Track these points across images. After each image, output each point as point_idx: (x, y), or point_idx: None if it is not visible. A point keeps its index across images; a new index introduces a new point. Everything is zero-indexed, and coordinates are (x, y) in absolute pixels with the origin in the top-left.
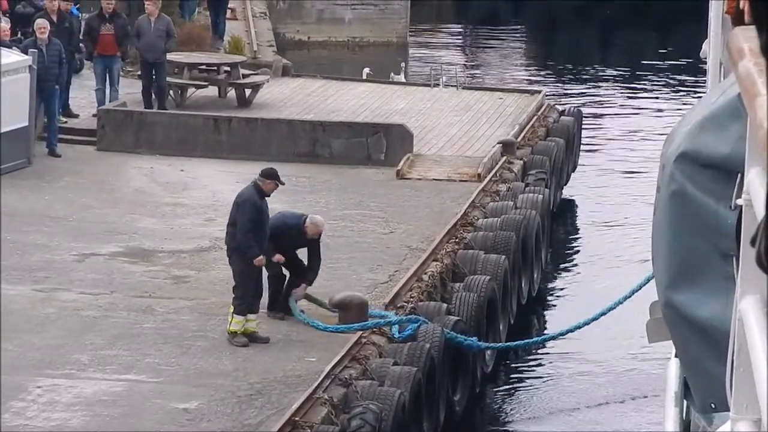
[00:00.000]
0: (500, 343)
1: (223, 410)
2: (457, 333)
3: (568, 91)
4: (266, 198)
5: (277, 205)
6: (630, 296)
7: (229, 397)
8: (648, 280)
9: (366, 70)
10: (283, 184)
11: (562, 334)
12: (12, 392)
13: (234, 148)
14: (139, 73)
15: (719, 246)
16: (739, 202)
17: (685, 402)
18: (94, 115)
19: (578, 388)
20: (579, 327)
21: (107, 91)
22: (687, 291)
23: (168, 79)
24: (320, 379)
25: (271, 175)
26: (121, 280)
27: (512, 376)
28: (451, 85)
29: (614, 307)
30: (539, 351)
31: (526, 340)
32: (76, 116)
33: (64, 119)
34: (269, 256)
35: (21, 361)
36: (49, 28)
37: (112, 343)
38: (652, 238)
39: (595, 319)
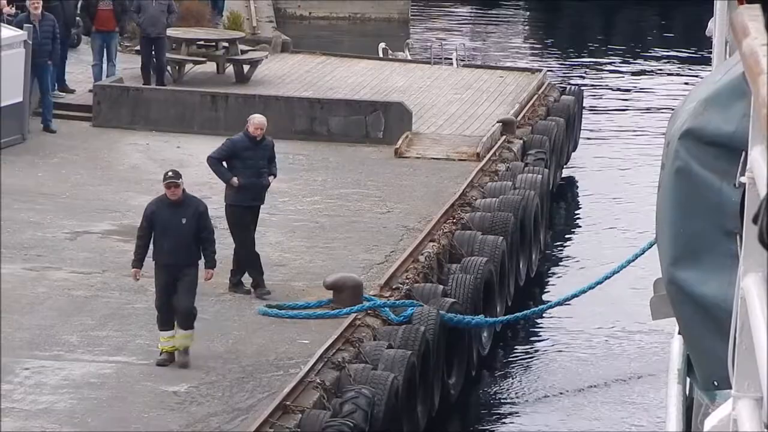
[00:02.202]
0: (506, 316)
1: (213, 393)
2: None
3: (570, 70)
4: (179, 204)
5: (274, 183)
6: (632, 260)
7: (219, 380)
8: (650, 246)
9: (382, 45)
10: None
11: (566, 300)
12: None
13: (231, 125)
14: (137, 48)
15: (723, 224)
16: (743, 179)
17: (688, 379)
18: (90, 91)
19: (578, 368)
20: (584, 292)
21: (104, 66)
22: (690, 268)
23: (166, 54)
24: (312, 362)
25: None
26: (113, 259)
27: (509, 357)
28: (448, 61)
29: (617, 272)
30: (537, 331)
31: (532, 309)
32: (72, 91)
33: (62, 93)
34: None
35: (9, 342)
36: (42, 3)
37: (103, 323)
38: (656, 215)
39: (599, 282)
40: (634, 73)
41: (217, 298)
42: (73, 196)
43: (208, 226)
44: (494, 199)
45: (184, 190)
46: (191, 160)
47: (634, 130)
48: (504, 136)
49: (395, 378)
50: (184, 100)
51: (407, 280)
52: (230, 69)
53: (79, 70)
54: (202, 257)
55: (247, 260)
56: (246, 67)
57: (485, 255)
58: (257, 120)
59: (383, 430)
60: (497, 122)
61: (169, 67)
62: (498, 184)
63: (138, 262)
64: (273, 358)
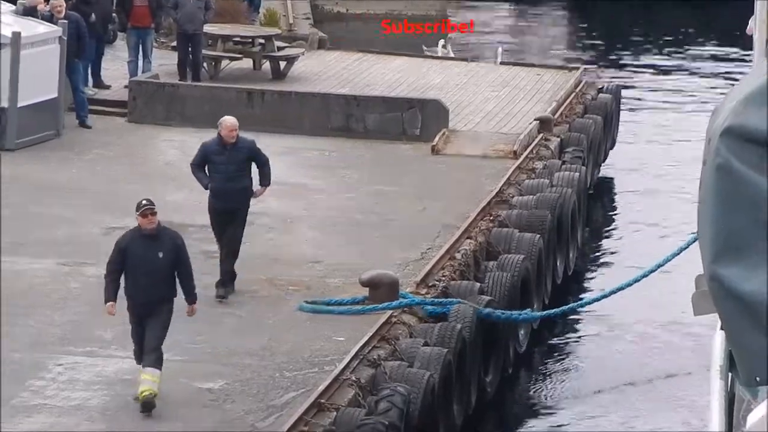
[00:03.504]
0: (552, 310)
1: (248, 391)
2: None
3: (608, 68)
4: (154, 236)
5: (307, 180)
6: (672, 258)
7: (254, 377)
8: (690, 243)
9: (442, 41)
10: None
11: (612, 293)
12: (31, 370)
13: (267, 122)
14: (173, 45)
15: (764, 220)
16: None
17: (730, 375)
18: (125, 87)
19: (617, 365)
20: (630, 285)
21: (140, 62)
22: (732, 265)
23: (202, 51)
24: (348, 360)
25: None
26: None
27: (546, 355)
28: (490, 59)
29: (659, 267)
30: (574, 328)
31: (579, 302)
32: (108, 87)
33: (92, 90)
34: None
35: (42, 337)
36: (65, 6)
37: None
38: (697, 211)
39: (643, 276)
40: (672, 71)
41: (251, 294)
42: (107, 191)
43: (186, 260)
44: (531, 196)
45: (159, 221)
46: None
47: (673, 128)
48: (541, 134)
49: (431, 376)
50: (220, 96)
51: (444, 278)
52: (266, 65)
53: (115, 67)
54: (180, 292)
55: (222, 259)
56: (282, 64)
57: (522, 253)
58: (227, 123)
59: (419, 429)
60: (534, 120)
61: (205, 64)
62: (535, 181)
63: (112, 297)
64: (308, 356)
